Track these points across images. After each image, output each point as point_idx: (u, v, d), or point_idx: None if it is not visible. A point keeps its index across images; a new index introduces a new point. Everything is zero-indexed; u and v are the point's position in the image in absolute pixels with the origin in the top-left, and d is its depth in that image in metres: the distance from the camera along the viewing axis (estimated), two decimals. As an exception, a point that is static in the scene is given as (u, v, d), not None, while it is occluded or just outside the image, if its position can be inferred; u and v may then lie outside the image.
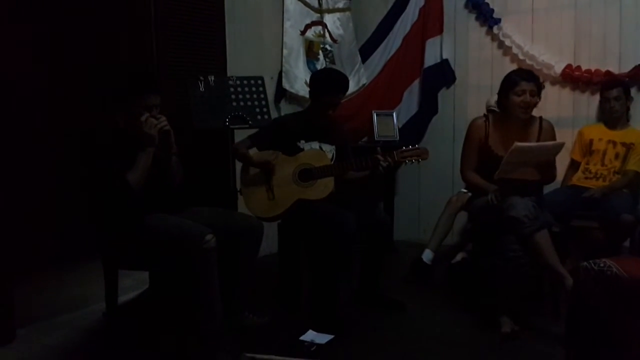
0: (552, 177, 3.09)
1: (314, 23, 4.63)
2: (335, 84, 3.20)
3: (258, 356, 2.51)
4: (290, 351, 2.60)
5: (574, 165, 3.97)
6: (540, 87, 3.00)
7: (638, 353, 1.82)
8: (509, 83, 2.99)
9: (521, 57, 4.34)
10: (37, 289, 3.57)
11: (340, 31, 4.82)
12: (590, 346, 1.96)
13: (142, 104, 2.55)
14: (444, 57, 4.70)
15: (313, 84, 3.28)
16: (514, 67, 4.30)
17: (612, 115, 3.83)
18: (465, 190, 4.00)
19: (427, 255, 3.86)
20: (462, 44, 4.69)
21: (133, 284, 3.53)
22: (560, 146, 2.90)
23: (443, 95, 4.77)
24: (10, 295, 2.85)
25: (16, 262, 2.98)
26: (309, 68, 4.52)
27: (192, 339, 2.48)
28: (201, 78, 3.49)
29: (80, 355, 2.75)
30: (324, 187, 3.12)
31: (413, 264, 3.86)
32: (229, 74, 3.85)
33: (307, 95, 3.35)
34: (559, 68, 4.19)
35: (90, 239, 2.79)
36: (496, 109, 3.49)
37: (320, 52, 4.68)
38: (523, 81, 2.94)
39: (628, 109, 3.86)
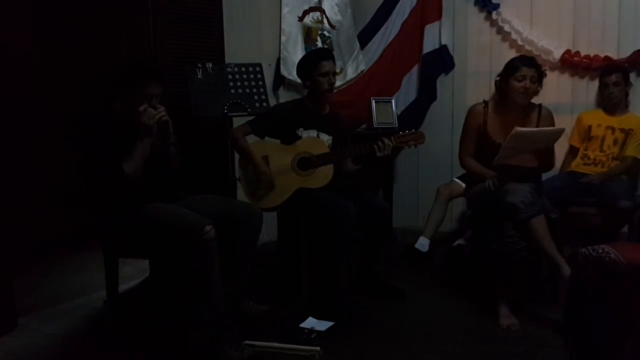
0: (551, 165, 3.09)
1: (312, 9, 4.60)
2: (313, 55, 3.29)
3: (258, 343, 2.52)
4: (290, 338, 2.61)
5: (572, 151, 3.98)
6: (541, 75, 2.99)
7: (637, 339, 1.84)
8: (510, 68, 2.99)
9: (520, 42, 4.33)
10: (37, 277, 3.59)
11: (339, 17, 4.79)
12: (588, 332, 1.97)
13: (142, 92, 2.55)
14: (443, 42, 4.68)
15: (298, 71, 3.32)
16: (513, 52, 4.30)
17: (611, 101, 3.82)
18: (457, 180, 4.01)
19: (422, 242, 3.89)
20: (460, 30, 4.67)
21: (133, 272, 3.55)
22: (561, 132, 2.90)
23: (442, 81, 4.75)
24: (11, 284, 2.86)
25: (17, 251, 2.99)
26: (307, 54, 4.50)
27: (192, 327, 2.49)
28: (199, 65, 3.48)
29: (81, 343, 2.76)
30: (324, 175, 3.12)
31: (404, 251, 3.89)
32: (227, 61, 3.83)
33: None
34: (558, 53, 4.17)
35: (91, 227, 2.80)
36: None
37: (319, 38, 4.65)
38: (524, 67, 2.94)
39: (627, 94, 3.86)
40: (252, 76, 3.64)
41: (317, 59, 3.21)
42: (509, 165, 2.92)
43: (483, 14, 4.55)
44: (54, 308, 3.15)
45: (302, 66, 3.28)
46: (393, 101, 4.64)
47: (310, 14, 4.61)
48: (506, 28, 4.40)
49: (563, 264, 2.69)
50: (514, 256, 2.77)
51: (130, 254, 2.88)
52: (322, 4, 4.66)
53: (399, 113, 4.66)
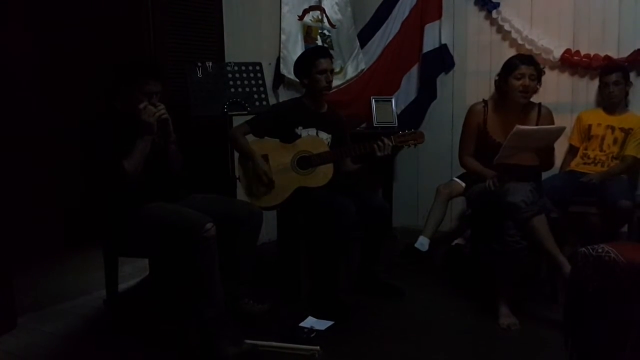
0: (551, 164, 3.09)
1: (312, 8, 4.60)
2: (310, 53, 3.31)
3: (258, 343, 2.52)
4: (290, 338, 2.61)
5: (572, 151, 3.97)
6: (540, 73, 3.00)
7: (636, 338, 1.83)
8: (509, 67, 2.99)
9: (520, 41, 4.32)
10: (37, 277, 3.58)
11: (339, 16, 4.78)
12: (588, 332, 1.97)
13: (142, 90, 2.56)
14: (443, 42, 4.67)
15: (295, 70, 3.33)
16: (513, 51, 4.29)
17: (611, 100, 3.82)
18: (457, 179, 4.01)
19: (422, 241, 3.89)
20: (460, 29, 4.66)
21: (133, 271, 3.55)
22: (561, 130, 2.91)
23: (442, 80, 4.75)
24: (10, 283, 2.86)
25: (16, 250, 2.98)
26: (307, 54, 4.49)
27: (192, 325, 2.49)
28: (199, 64, 3.48)
29: (81, 342, 2.76)
30: (324, 174, 3.13)
31: (404, 250, 3.89)
32: (227, 60, 3.83)
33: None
34: (558, 53, 4.17)
35: (91, 226, 2.80)
36: None
37: (319, 37, 4.65)
38: (523, 65, 2.95)
39: (627, 94, 3.85)
40: (252, 75, 3.64)
41: (315, 56, 3.21)
42: (509, 165, 2.92)
43: (483, 13, 4.54)
44: (54, 307, 3.15)
45: (299, 64, 3.28)
46: (393, 100, 4.64)
47: (310, 12, 4.60)
48: (506, 27, 4.39)
49: (565, 263, 2.68)
50: (515, 256, 2.77)
51: (130, 253, 2.88)
52: (322, 3, 4.65)
53: (398, 112, 4.66)
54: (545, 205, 2.92)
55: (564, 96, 4.24)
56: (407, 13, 4.73)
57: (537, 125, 3.03)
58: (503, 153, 2.86)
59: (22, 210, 3.54)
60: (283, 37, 4.39)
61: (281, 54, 4.37)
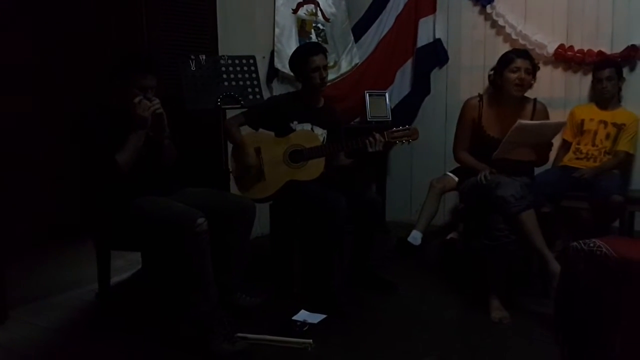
0: (546, 159, 3.11)
1: (306, 1, 4.59)
2: (302, 51, 3.29)
3: (251, 336, 2.52)
4: (283, 331, 2.61)
5: (565, 146, 3.99)
6: (535, 67, 3.00)
7: (627, 334, 1.84)
8: (505, 60, 3.00)
9: (514, 36, 4.33)
10: (29, 269, 3.57)
11: (333, 9, 4.77)
12: (579, 327, 1.98)
13: (137, 84, 2.54)
14: (437, 36, 4.67)
15: (291, 66, 3.33)
16: (507, 46, 4.30)
17: (603, 96, 3.84)
18: (450, 174, 4.03)
19: (415, 236, 3.90)
20: (454, 24, 4.67)
21: (125, 265, 3.54)
22: (561, 126, 2.94)
23: (436, 75, 4.75)
24: (2, 276, 2.84)
25: (8, 243, 2.97)
26: (301, 47, 4.48)
27: (185, 319, 2.49)
28: (192, 57, 3.45)
29: (72, 336, 2.75)
30: (315, 168, 3.12)
31: (397, 243, 3.90)
32: (220, 54, 3.81)
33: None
34: (551, 48, 4.18)
35: (83, 220, 2.79)
36: None
37: (313, 31, 4.64)
38: (518, 58, 2.96)
39: (620, 89, 3.87)
40: (245, 68, 3.62)
41: (306, 54, 3.20)
42: (504, 160, 2.92)
43: (477, 8, 4.55)
44: (46, 300, 3.14)
45: (293, 62, 3.28)
46: (387, 95, 4.64)
47: (305, 6, 4.59)
48: (500, 22, 4.40)
49: (551, 259, 2.70)
50: (504, 250, 2.78)
51: (123, 247, 2.87)
52: (317, -3, 4.65)
53: (392, 107, 4.66)
54: (534, 200, 2.93)
55: (557, 91, 4.25)
56: (401, 7, 4.73)
57: (532, 120, 3.04)
58: (503, 148, 2.87)
59: (14, 203, 3.51)
60: (277, 30, 4.38)
61: (275, 48, 4.36)
